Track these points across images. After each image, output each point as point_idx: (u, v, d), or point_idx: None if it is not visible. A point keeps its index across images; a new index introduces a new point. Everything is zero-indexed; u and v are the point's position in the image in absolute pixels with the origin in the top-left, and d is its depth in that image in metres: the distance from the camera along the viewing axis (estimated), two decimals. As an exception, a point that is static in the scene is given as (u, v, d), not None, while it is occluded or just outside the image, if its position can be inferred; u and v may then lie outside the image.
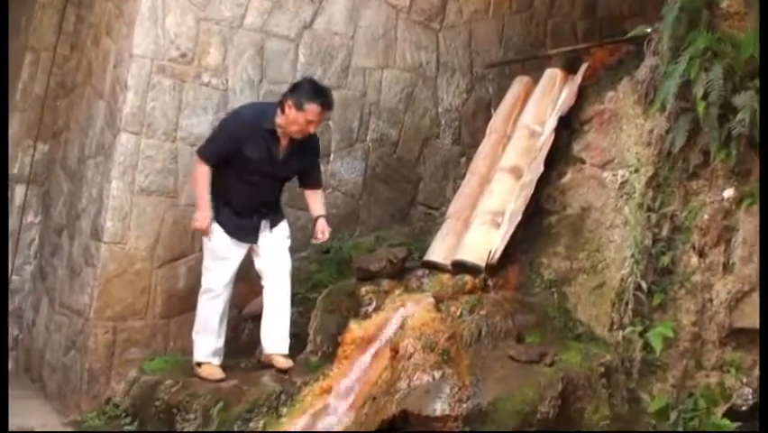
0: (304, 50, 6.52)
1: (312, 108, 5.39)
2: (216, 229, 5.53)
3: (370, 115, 6.81)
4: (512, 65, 7.35)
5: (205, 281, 5.60)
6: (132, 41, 5.89)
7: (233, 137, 5.43)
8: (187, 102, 6.05)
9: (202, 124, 6.09)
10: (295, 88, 5.49)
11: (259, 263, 5.64)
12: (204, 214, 5.48)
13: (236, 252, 5.56)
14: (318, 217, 5.68)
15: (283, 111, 5.41)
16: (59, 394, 6.18)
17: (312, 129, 5.47)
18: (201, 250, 6.03)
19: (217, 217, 5.52)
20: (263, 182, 5.53)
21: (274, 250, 5.60)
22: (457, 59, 7.30)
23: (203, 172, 5.48)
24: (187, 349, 5.95)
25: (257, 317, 6.06)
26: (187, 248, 6.08)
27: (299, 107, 5.36)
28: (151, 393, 5.54)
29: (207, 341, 5.59)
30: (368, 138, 6.89)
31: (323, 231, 5.62)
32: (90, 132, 6.40)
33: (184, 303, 6.05)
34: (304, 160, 5.61)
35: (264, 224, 5.61)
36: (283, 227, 5.70)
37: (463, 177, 6.49)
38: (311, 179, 5.76)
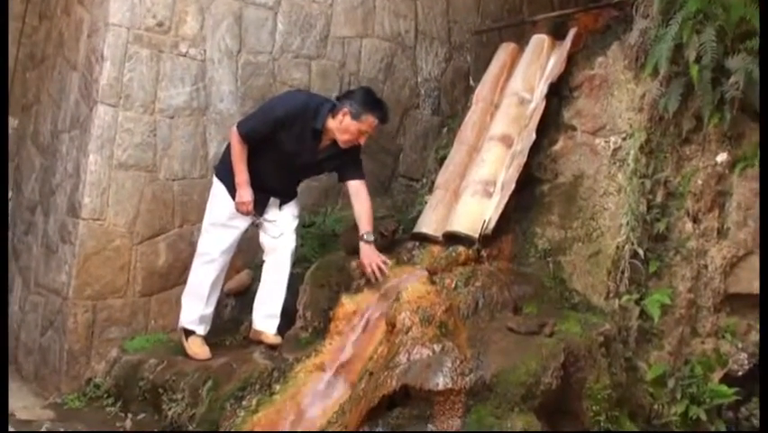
0: (282, 18, 6.35)
1: (369, 120, 5.26)
2: (223, 193, 5.39)
3: (350, 86, 6.63)
4: (489, 33, 7.26)
5: (202, 244, 5.48)
6: (108, 9, 5.67)
7: (276, 121, 5.23)
8: (164, 73, 5.87)
9: (180, 96, 5.93)
10: (351, 96, 5.34)
11: (263, 238, 5.52)
12: (246, 193, 5.30)
13: (239, 222, 5.43)
14: (361, 240, 5.28)
15: (335, 116, 5.25)
16: (37, 376, 6.02)
17: (362, 140, 5.33)
18: (181, 226, 5.98)
19: (229, 183, 5.37)
20: (289, 171, 5.41)
21: (280, 227, 5.47)
22: (435, 27, 7.18)
23: (239, 148, 5.27)
24: (170, 327, 5.89)
25: (238, 294, 6.00)
26: (167, 224, 5.94)
27: (356, 117, 5.21)
28: (134, 373, 5.45)
29: (195, 306, 5.47)
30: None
31: (370, 264, 5.18)
32: (63, 104, 6.20)
33: (164, 280, 5.94)
34: (343, 158, 5.42)
35: (273, 200, 5.48)
36: (293, 206, 5.57)
37: (445, 147, 6.42)
38: (352, 171, 5.46)
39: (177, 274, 5.90)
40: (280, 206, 5.50)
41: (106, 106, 5.69)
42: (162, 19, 5.83)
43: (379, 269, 5.17)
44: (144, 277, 5.88)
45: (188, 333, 5.50)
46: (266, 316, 5.43)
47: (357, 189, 5.44)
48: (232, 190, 5.36)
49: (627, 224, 4.97)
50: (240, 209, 5.34)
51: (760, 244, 4.66)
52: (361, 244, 5.27)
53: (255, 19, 6.23)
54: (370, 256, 5.21)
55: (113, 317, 5.80)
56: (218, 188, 5.43)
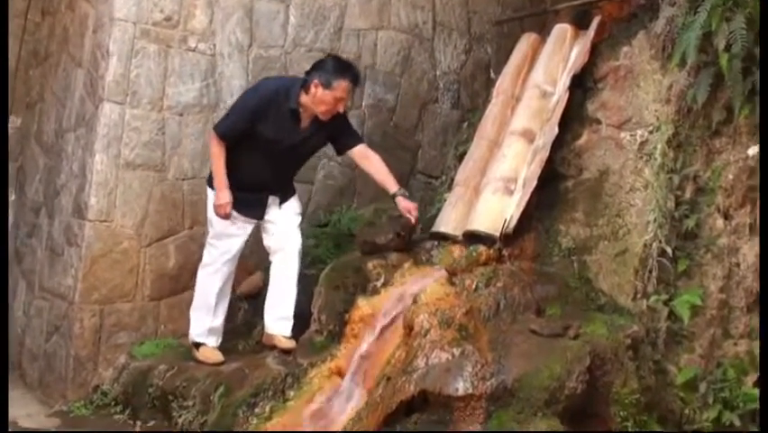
0: (295, 11, 6.41)
1: (341, 85, 5.29)
2: None
3: (366, 80, 6.70)
4: (510, 23, 7.27)
5: (206, 256, 5.54)
6: (113, 4, 5.73)
7: (252, 114, 5.30)
8: (172, 69, 5.93)
9: (189, 92, 5.99)
10: (319, 67, 5.38)
11: (267, 240, 5.58)
12: (224, 195, 5.34)
13: (241, 228, 5.48)
14: (397, 195, 5.51)
15: (308, 91, 5.30)
16: (42, 383, 6.08)
17: (341, 108, 5.37)
18: (191, 227, 6.04)
19: None
20: (278, 160, 5.42)
21: (283, 226, 5.52)
22: (454, 18, 7.21)
23: (217, 150, 5.35)
24: (179, 332, 5.93)
25: (251, 297, 6.04)
26: (176, 225, 6.00)
27: (327, 86, 5.26)
28: (144, 380, 5.50)
29: (203, 319, 5.53)
30: (363, 104, 6.80)
31: (409, 210, 5.47)
32: (68, 102, 6.25)
33: (174, 283, 5.99)
34: (330, 129, 5.48)
35: (272, 199, 5.52)
36: (293, 203, 5.62)
37: (465, 143, 6.42)
38: (348, 138, 5.59)
39: (187, 277, 5.93)
40: (280, 204, 5.54)
41: (113, 104, 5.75)
42: (170, 13, 5.88)
43: (409, 211, 5.45)
44: (153, 280, 5.93)
45: (199, 345, 5.55)
46: (278, 318, 5.48)
47: (362, 153, 5.57)
48: None
49: (655, 221, 4.97)
50: (218, 212, 5.37)
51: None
52: (399, 199, 5.49)
53: (266, 12, 6.28)
54: (410, 204, 5.47)
55: (121, 321, 5.85)
56: (211, 197, 5.46)
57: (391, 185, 5.50)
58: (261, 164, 5.37)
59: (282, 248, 5.52)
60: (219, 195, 5.35)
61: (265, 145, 5.33)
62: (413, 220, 5.45)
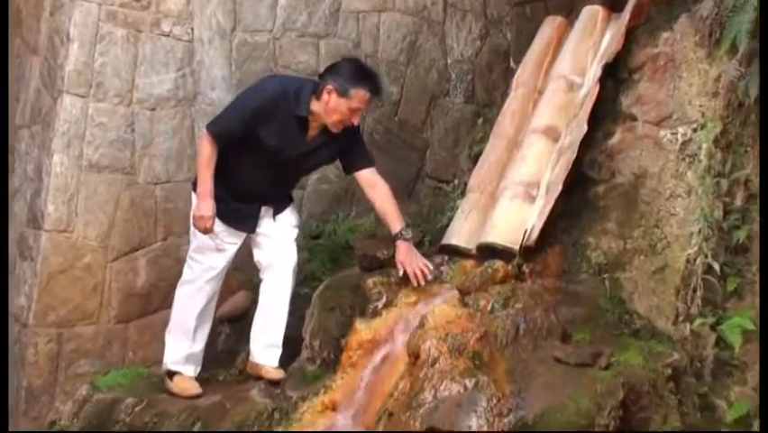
0: (284, -10, 6.42)
1: (359, 95, 5.27)
2: None
3: (366, 69, 6.67)
4: (532, 4, 7.28)
5: (187, 272, 5.51)
6: (74, -19, 5.75)
7: (254, 115, 5.27)
8: (143, 56, 5.93)
9: (163, 84, 5.99)
10: (335, 71, 5.37)
11: (257, 255, 5.57)
12: (207, 206, 5.28)
13: (230, 241, 5.46)
14: (398, 238, 5.40)
15: (319, 97, 5.28)
16: (-10, 417, 6.06)
17: (356, 120, 5.36)
18: (165, 239, 6.07)
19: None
20: (276, 171, 5.42)
21: (276, 240, 5.52)
22: (468, -2, 7.22)
23: (207, 153, 5.30)
24: (150, 360, 5.95)
25: (235, 320, 6.05)
26: (147, 236, 6.00)
27: (343, 94, 5.24)
28: (109, 414, 5.46)
29: (181, 344, 5.51)
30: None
31: (411, 266, 5.31)
32: (22, 95, 6.26)
33: (145, 304, 6.00)
34: (340, 144, 5.46)
35: (266, 210, 5.51)
36: (289, 215, 5.61)
37: (480, 142, 6.44)
38: (358, 158, 5.55)
39: (160, 296, 5.93)
40: (274, 216, 5.53)
41: (74, 97, 5.73)
42: (141, -8, 5.90)
43: (422, 273, 5.28)
44: (121, 300, 5.92)
45: (173, 374, 5.52)
46: (266, 346, 5.46)
47: (371, 180, 5.53)
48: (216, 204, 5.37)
49: (700, 232, 4.94)
50: (197, 225, 5.32)
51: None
52: (399, 244, 5.36)
53: (252, -9, 6.29)
54: (410, 257, 5.32)
55: (82, 347, 5.83)
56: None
57: (394, 223, 5.42)
58: (257, 174, 5.36)
59: (274, 264, 5.50)
60: (201, 205, 5.30)
61: (264, 153, 5.31)
62: (411, 278, 5.31)
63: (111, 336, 5.90)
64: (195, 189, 5.43)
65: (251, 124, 5.26)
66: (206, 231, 5.32)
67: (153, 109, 5.94)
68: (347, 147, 5.49)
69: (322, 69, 6.28)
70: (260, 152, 5.31)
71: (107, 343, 5.89)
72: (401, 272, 5.32)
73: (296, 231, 5.60)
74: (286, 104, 5.29)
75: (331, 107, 5.26)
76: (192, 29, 6.07)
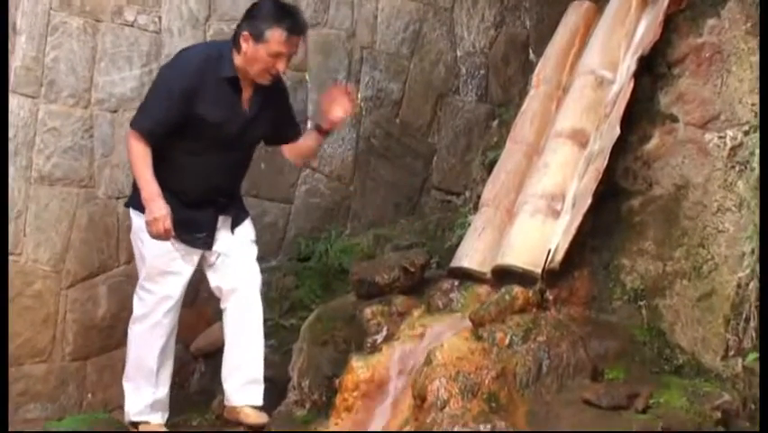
0: (266, -29, 6.44)
1: (276, 36, 5.26)
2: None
3: (362, 64, 6.78)
4: (556, -12, 7.32)
5: (139, 305, 5.49)
6: (22, -36, 5.78)
7: (183, 95, 5.27)
8: (103, 50, 5.96)
9: (126, 82, 6.03)
10: (250, 15, 5.39)
11: (216, 280, 5.57)
12: (158, 206, 5.22)
13: (184, 261, 5.45)
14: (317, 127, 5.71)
15: (239, 48, 5.31)
16: (-74, 473, 6.08)
17: (281, 66, 5.36)
18: (128, 262, 6.04)
19: None
20: (222, 153, 5.42)
21: (237, 259, 5.53)
22: (480, -19, 7.28)
23: (141, 152, 5.27)
24: (112, 403, 5.99)
25: (210, 355, 6.05)
26: (108, 259, 6.04)
27: (258, 38, 5.25)
28: (63, 468, 5.50)
29: (142, 391, 5.51)
30: (359, 96, 6.80)
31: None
32: (-39, 96, 6.27)
33: (105, 337, 6.02)
34: (273, 110, 5.54)
35: (223, 220, 5.52)
36: (248, 228, 5.64)
37: (495, 148, 6.46)
38: (291, 129, 5.71)
39: (123, 329, 5.87)
40: (233, 228, 5.54)
41: (22, 97, 5.75)
42: (100, -24, 5.94)
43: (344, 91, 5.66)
44: (77, 333, 5.95)
45: (138, 424, 5.54)
46: (244, 383, 5.46)
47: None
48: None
49: (753, 252, 4.97)
50: (154, 231, 5.24)
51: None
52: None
53: (228, -26, 6.33)
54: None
55: (32, 389, 5.86)
56: (139, 223, 5.39)
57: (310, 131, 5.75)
58: (200, 163, 5.37)
59: (239, 289, 5.51)
60: (151, 207, 5.23)
61: (207, 134, 5.33)
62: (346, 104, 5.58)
63: (66, 375, 5.94)
64: (131, 205, 5.44)
65: (184, 105, 5.27)
66: (166, 234, 5.24)
67: (115, 111, 5.97)
68: (280, 115, 5.60)
69: (311, 65, 6.41)
70: (199, 136, 5.32)
71: (61, 384, 5.92)
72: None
73: (255, 247, 5.62)
74: (211, 70, 5.33)
75: (250, 56, 5.29)
76: (160, 18, 6.13)
